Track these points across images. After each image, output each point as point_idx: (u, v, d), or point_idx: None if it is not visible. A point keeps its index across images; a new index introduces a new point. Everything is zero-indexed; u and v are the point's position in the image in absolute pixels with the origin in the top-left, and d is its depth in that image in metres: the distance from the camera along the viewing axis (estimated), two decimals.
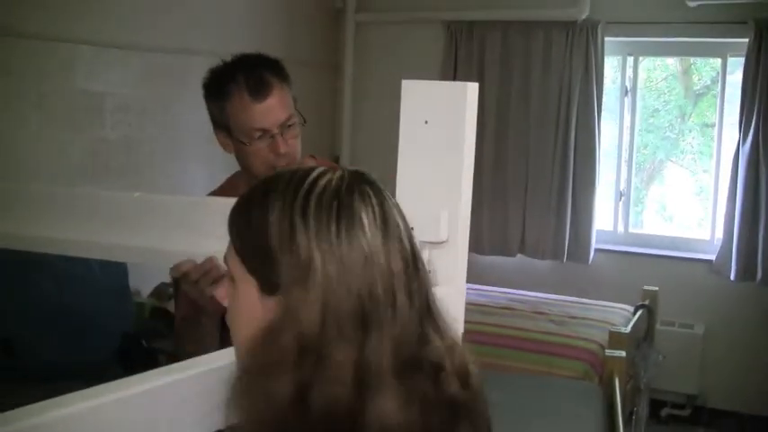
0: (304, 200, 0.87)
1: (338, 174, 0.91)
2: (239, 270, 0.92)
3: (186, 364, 1.01)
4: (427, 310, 0.91)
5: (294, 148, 1.85)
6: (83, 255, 1.60)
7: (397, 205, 0.94)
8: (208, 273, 1.44)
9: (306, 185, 0.88)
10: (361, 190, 0.89)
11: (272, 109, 1.80)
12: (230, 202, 1.47)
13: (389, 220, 0.90)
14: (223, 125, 1.86)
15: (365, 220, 0.87)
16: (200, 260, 1.45)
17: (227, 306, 0.98)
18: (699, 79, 4.99)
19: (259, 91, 1.79)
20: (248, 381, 0.86)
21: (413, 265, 0.90)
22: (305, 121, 1.89)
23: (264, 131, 1.80)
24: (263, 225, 0.88)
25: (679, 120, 5.04)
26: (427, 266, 0.98)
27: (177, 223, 1.53)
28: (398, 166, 1.31)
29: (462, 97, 1.29)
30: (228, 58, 1.88)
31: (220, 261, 1.35)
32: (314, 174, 0.90)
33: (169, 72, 3.60)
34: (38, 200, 1.76)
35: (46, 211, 1.69)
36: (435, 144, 1.29)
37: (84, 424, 0.85)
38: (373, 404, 0.82)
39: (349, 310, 0.84)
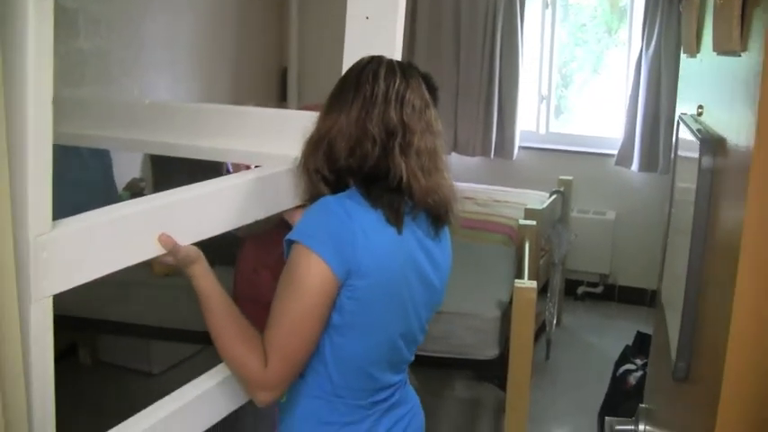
0: None
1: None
2: None
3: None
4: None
5: None
6: (103, 146, 1.98)
7: None
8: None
9: None
10: None
11: None
12: (228, 109, 1.87)
13: None
14: None
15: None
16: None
17: None
18: None
19: None
20: None
21: None
22: None
23: None
24: None
25: (606, 35, 5.45)
26: None
27: (185, 125, 1.88)
28: (344, 57, 1.64)
29: None
30: None
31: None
32: None
33: None
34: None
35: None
36: (374, 38, 1.64)
37: None
38: None
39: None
